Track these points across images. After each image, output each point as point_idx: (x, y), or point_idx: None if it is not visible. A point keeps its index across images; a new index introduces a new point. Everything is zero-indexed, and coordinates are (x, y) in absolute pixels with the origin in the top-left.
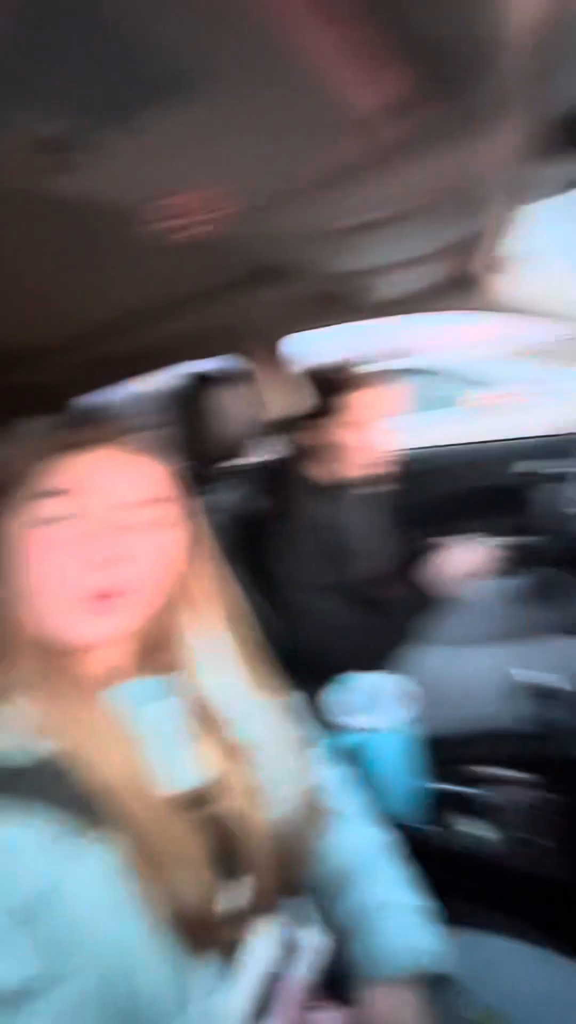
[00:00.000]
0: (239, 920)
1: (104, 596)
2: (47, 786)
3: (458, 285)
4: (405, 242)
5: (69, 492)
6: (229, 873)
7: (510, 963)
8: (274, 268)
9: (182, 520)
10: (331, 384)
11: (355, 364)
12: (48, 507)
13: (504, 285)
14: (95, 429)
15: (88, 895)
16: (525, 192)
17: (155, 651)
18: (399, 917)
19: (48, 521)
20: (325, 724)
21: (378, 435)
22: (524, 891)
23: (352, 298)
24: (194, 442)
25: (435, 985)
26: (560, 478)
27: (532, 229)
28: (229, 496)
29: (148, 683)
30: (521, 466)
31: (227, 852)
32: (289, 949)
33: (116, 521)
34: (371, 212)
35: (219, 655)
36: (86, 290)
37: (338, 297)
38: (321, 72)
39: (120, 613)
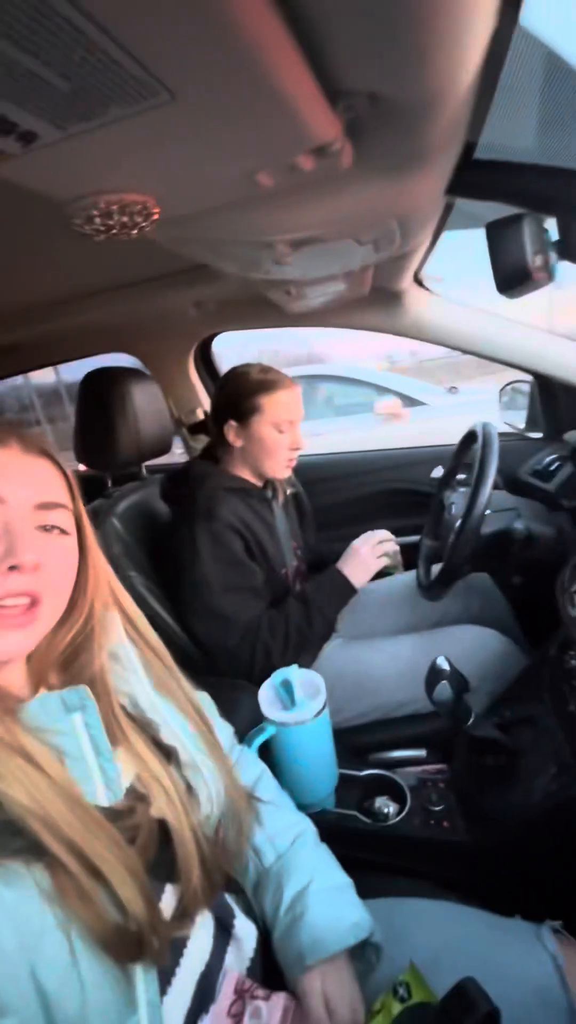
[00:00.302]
0: (177, 922)
1: (17, 609)
2: None
3: (375, 303)
4: (330, 259)
5: None
6: (163, 877)
7: (425, 921)
8: (199, 270)
9: (75, 525)
10: (250, 385)
11: (272, 368)
12: None
13: (414, 307)
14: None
15: (18, 920)
16: (441, 224)
17: (62, 662)
18: (328, 899)
19: None
20: (244, 719)
21: (294, 436)
22: (429, 855)
23: (275, 305)
24: (101, 441)
25: (364, 953)
26: (447, 485)
27: (443, 258)
28: (142, 498)
29: (59, 695)
30: (435, 472)
31: (159, 857)
32: (224, 941)
33: (23, 523)
34: (307, 230)
35: (127, 660)
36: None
37: (261, 303)
38: (279, 97)
39: (34, 624)
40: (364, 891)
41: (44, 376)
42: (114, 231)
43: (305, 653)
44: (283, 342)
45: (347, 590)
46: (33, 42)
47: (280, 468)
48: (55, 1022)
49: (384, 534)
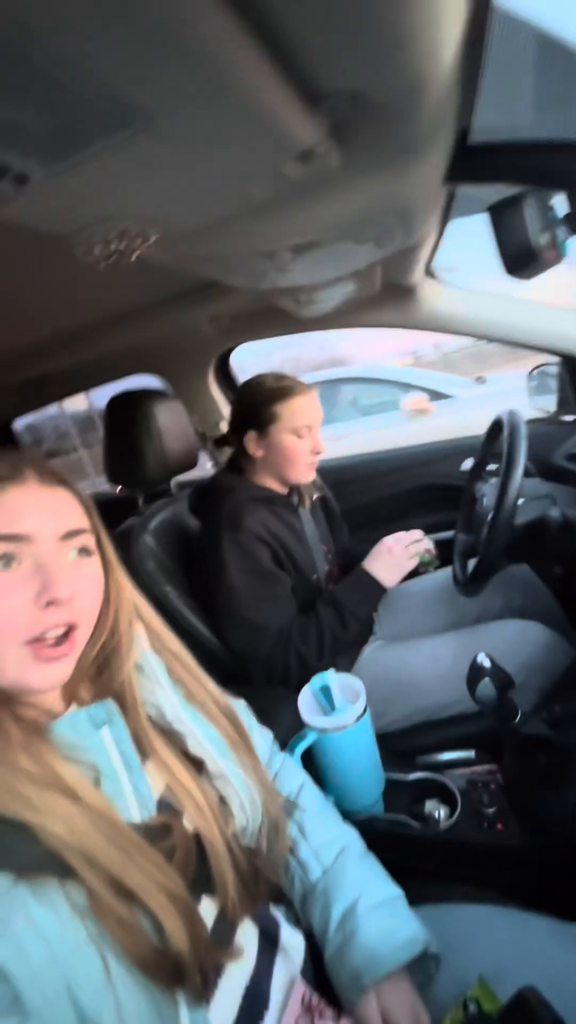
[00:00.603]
0: (220, 950)
1: (55, 641)
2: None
3: (387, 300)
4: (334, 262)
5: (2, 534)
6: (199, 890)
7: (486, 929)
8: (209, 287)
9: (98, 547)
10: (266, 394)
11: (287, 375)
12: None
13: (428, 300)
14: (11, 461)
15: (50, 937)
16: (446, 214)
17: (91, 675)
18: (379, 914)
19: None
20: (285, 727)
21: (314, 440)
22: (485, 859)
23: (287, 312)
24: (129, 462)
25: (422, 964)
26: (478, 476)
27: (452, 247)
28: (172, 513)
29: (86, 711)
30: (465, 464)
31: (198, 872)
32: (271, 953)
33: (53, 558)
34: (306, 235)
35: (151, 672)
36: (19, 313)
37: (273, 312)
38: (257, 108)
39: (73, 651)
40: (418, 899)
41: (77, 404)
42: (116, 257)
43: (341, 656)
44: (304, 347)
45: (376, 589)
46: (9, 87)
47: (302, 473)
48: None
49: (417, 534)
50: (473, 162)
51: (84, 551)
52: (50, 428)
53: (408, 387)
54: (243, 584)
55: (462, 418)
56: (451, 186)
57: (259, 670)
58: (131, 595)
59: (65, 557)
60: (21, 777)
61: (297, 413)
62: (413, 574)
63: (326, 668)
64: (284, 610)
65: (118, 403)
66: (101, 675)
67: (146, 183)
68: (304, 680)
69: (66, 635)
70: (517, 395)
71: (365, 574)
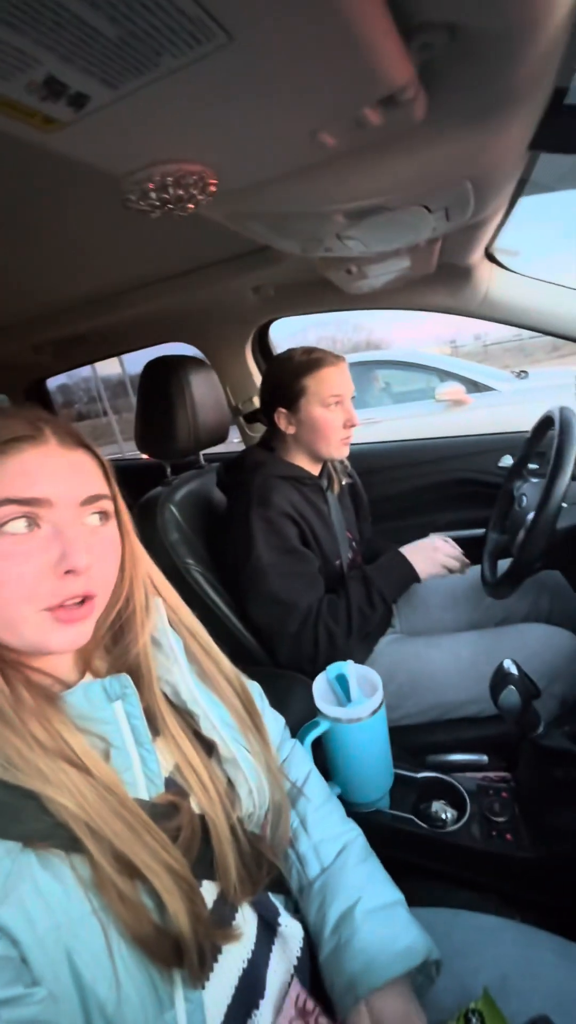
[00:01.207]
0: (220, 931)
1: (74, 605)
2: (4, 806)
3: (441, 281)
4: (397, 231)
5: (21, 497)
6: (201, 874)
7: (490, 939)
8: (257, 253)
9: (116, 514)
10: (293, 368)
11: (316, 348)
12: (5, 515)
13: (485, 284)
14: (30, 419)
15: (53, 903)
16: (519, 188)
17: (105, 644)
18: (378, 920)
19: (5, 531)
20: (297, 712)
21: (346, 411)
22: (490, 868)
23: (334, 287)
24: (160, 429)
25: (422, 966)
26: (518, 475)
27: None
28: (199, 486)
29: (101, 683)
30: (503, 461)
31: (201, 854)
32: (269, 939)
33: (72, 524)
34: (373, 197)
35: (168, 649)
36: (59, 268)
37: (320, 285)
38: (349, 33)
39: (90, 617)
40: (420, 899)
41: (110, 368)
42: (170, 205)
43: (366, 639)
44: (341, 328)
45: (409, 575)
46: None
47: (336, 447)
48: (88, 1006)
49: (463, 557)
50: (569, 126)
51: (103, 516)
52: (82, 390)
53: (446, 375)
54: (271, 561)
55: (500, 412)
56: (535, 153)
57: (286, 648)
58: (145, 563)
59: (84, 523)
60: (32, 744)
61: (325, 384)
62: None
63: (354, 648)
64: (313, 587)
65: (154, 368)
66: (116, 645)
67: (212, 118)
68: (331, 659)
69: (83, 602)
70: (562, 393)
71: (402, 558)
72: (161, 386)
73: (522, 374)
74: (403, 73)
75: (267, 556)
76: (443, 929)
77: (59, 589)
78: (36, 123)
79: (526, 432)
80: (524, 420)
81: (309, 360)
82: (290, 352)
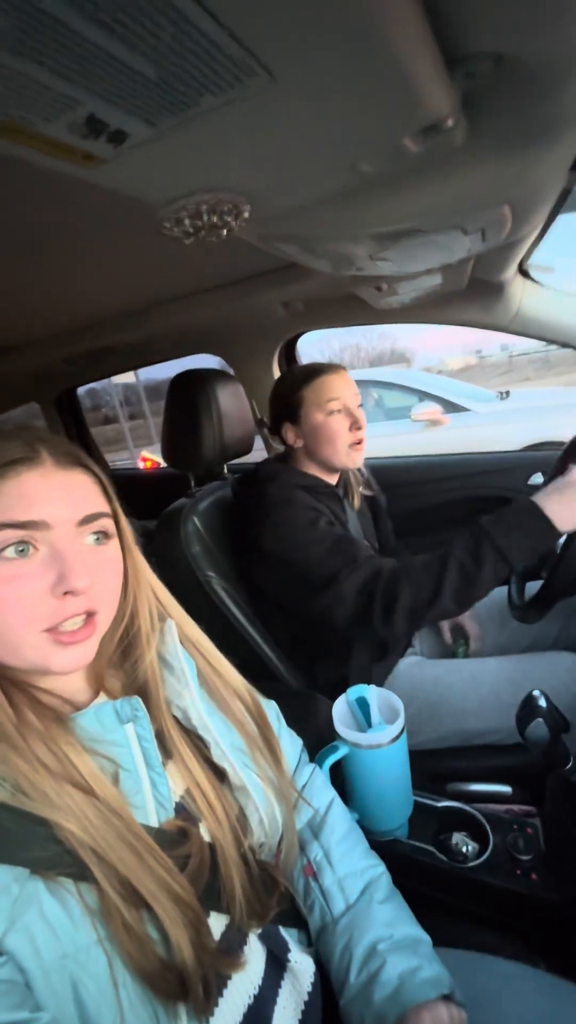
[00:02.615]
0: (226, 960)
1: (75, 626)
2: (11, 832)
3: (473, 296)
4: (431, 252)
5: (18, 521)
6: (209, 905)
7: (514, 989)
8: (288, 270)
9: (117, 530)
10: (292, 381)
11: (314, 363)
12: (3, 539)
13: (517, 300)
14: (26, 440)
15: (59, 932)
16: (558, 206)
17: (117, 665)
18: (405, 952)
19: (3, 556)
20: (315, 734)
21: (350, 415)
22: (514, 909)
23: (363, 302)
24: (186, 441)
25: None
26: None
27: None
28: (222, 497)
29: (112, 705)
30: (533, 479)
31: (209, 883)
32: (277, 974)
33: (70, 545)
34: (409, 221)
35: (180, 672)
36: (93, 284)
37: (349, 300)
38: (393, 68)
39: (93, 636)
40: (438, 937)
41: (124, 376)
42: (203, 232)
43: (467, 605)
44: (366, 336)
45: (538, 522)
46: (120, 22)
47: (345, 455)
48: None
49: None
50: None
51: (103, 535)
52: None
53: (424, 395)
54: (306, 541)
55: (475, 432)
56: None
57: (351, 620)
58: (149, 578)
59: (82, 543)
60: (38, 767)
61: (322, 391)
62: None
63: (450, 611)
64: (360, 552)
65: (182, 381)
66: (125, 660)
67: (250, 151)
68: (413, 624)
69: (84, 622)
70: (539, 414)
71: (529, 503)
72: (188, 399)
73: (504, 395)
74: (446, 103)
75: (301, 538)
76: (463, 974)
77: (58, 610)
78: (76, 160)
79: (559, 449)
80: (497, 440)
81: (306, 372)
82: (291, 368)
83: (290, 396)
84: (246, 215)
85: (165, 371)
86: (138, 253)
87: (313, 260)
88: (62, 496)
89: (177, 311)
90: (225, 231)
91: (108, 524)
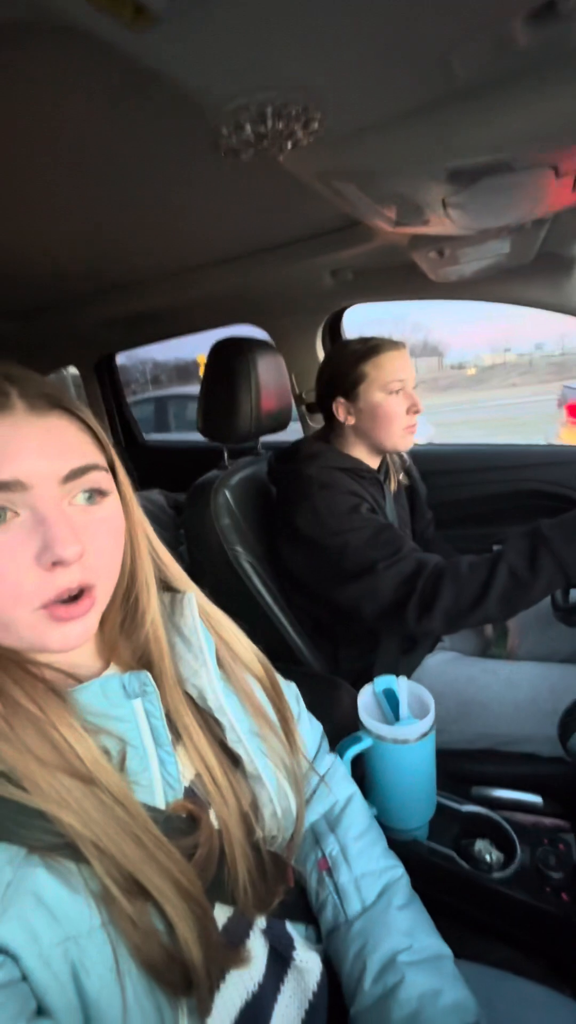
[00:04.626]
0: (232, 953)
1: (71, 600)
2: (5, 818)
3: (539, 272)
4: (511, 200)
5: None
6: (218, 895)
7: (540, 1014)
8: (341, 232)
9: (115, 486)
10: (352, 356)
11: (371, 336)
12: None
13: None
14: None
15: (60, 915)
16: None
17: (122, 641)
18: (427, 971)
19: None
20: (337, 721)
21: (409, 397)
22: (540, 928)
23: (419, 274)
24: (223, 411)
25: None
26: None
27: None
28: (254, 473)
29: (120, 679)
30: None
31: (217, 874)
32: (279, 971)
33: (54, 507)
34: (490, 151)
35: (199, 650)
36: (133, 242)
37: (404, 270)
38: None
39: (92, 610)
40: (458, 950)
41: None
42: (266, 142)
43: (509, 613)
44: (399, 327)
45: None
46: None
47: (399, 436)
48: None
49: None
50: None
51: (96, 492)
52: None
53: None
54: (344, 528)
55: None
56: None
57: (379, 613)
58: (150, 537)
59: (71, 503)
60: (29, 758)
61: (387, 369)
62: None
63: (492, 618)
64: (404, 543)
65: (223, 347)
66: (130, 639)
67: (327, 34)
68: (450, 626)
69: (84, 596)
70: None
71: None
72: (227, 366)
73: None
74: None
75: (340, 524)
76: (485, 993)
77: (48, 584)
78: (126, 15)
79: None
80: None
81: (368, 346)
82: (347, 341)
83: (349, 370)
84: (315, 126)
85: (191, 351)
86: (183, 209)
87: (373, 208)
88: (39, 448)
89: (221, 275)
90: (290, 144)
91: (101, 479)
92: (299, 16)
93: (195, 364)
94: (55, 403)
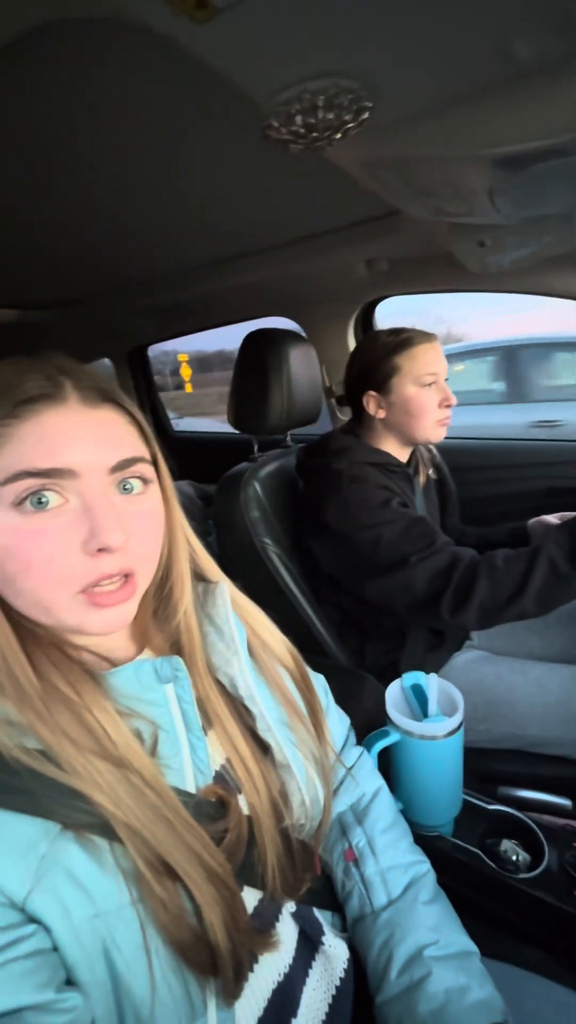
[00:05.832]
0: (260, 939)
1: (112, 586)
2: (41, 795)
3: None
4: (564, 188)
5: (40, 469)
6: (247, 879)
7: (569, 1017)
8: (379, 222)
9: (156, 478)
10: (384, 348)
11: (401, 328)
12: (24, 489)
13: None
14: (47, 374)
15: (92, 891)
16: None
17: (155, 628)
18: (453, 967)
19: (25, 507)
20: (364, 714)
21: (442, 390)
22: (567, 930)
23: (455, 265)
24: (254, 403)
25: None
26: None
27: None
28: (284, 465)
29: (152, 663)
30: None
31: (245, 858)
32: (309, 955)
33: (102, 496)
34: (545, 136)
35: (231, 639)
36: (167, 233)
37: (441, 261)
38: None
39: (133, 596)
40: (484, 948)
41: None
42: (315, 134)
43: (547, 608)
44: (422, 318)
45: None
46: None
47: (431, 429)
48: (123, 1008)
49: None
50: None
51: (141, 482)
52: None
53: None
54: (375, 521)
55: None
56: None
57: (412, 606)
58: (186, 531)
59: (116, 492)
60: (64, 741)
61: (420, 362)
62: None
63: (529, 613)
64: (437, 536)
65: (254, 339)
66: (164, 626)
67: (383, 21)
68: (486, 620)
69: (125, 582)
70: None
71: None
72: (259, 358)
73: None
74: None
75: (372, 518)
76: (512, 993)
77: (93, 569)
78: (188, 6)
79: None
80: None
81: (400, 339)
82: (377, 333)
83: (381, 363)
84: (365, 116)
85: (214, 344)
86: (220, 200)
87: (416, 199)
88: (91, 439)
89: (256, 266)
90: (339, 135)
91: (146, 470)
92: (359, 4)
93: (218, 356)
94: (106, 396)
